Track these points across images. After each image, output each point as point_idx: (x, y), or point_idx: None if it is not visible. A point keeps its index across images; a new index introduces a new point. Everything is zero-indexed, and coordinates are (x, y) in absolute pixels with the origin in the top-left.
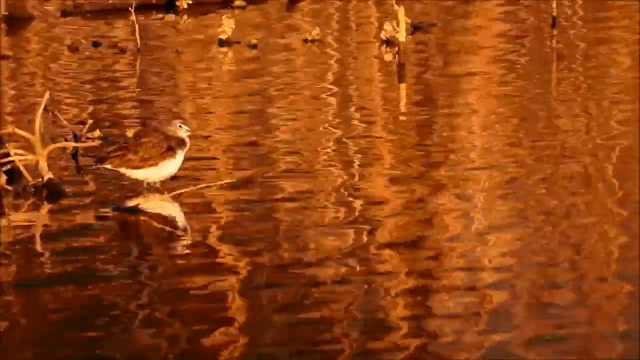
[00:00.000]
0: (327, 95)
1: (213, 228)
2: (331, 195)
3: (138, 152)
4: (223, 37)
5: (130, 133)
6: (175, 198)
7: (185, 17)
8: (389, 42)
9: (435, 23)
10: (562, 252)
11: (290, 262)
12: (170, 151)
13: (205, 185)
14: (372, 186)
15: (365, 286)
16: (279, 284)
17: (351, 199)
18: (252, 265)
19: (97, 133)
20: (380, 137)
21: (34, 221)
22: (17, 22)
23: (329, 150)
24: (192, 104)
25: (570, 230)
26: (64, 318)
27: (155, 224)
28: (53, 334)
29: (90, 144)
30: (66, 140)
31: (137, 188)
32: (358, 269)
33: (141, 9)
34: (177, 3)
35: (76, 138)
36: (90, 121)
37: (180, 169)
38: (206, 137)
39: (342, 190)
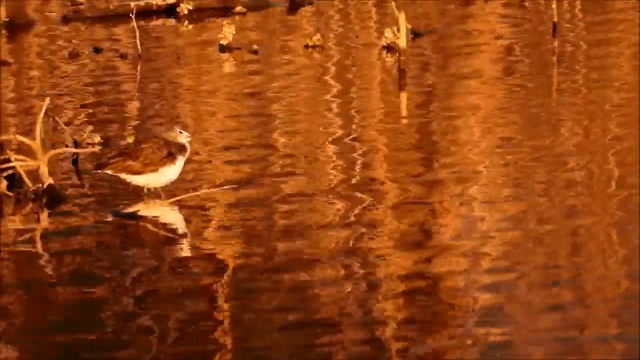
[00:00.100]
0: (328, 99)
1: (212, 228)
2: (331, 195)
3: (138, 157)
4: (224, 42)
5: (130, 139)
6: (175, 203)
7: (186, 22)
8: (390, 48)
9: (436, 28)
10: (562, 252)
11: (290, 263)
12: (170, 157)
13: (204, 191)
14: (372, 186)
15: (365, 287)
16: (278, 285)
17: (351, 199)
18: (251, 266)
19: (97, 139)
20: (380, 138)
21: (34, 226)
22: (17, 28)
23: (329, 151)
24: (192, 109)
25: (570, 230)
26: (63, 320)
27: (154, 229)
28: (52, 336)
29: (90, 149)
30: (66, 146)
31: (137, 194)
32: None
33: (142, 14)
34: (178, 9)
35: (76, 144)
36: (90, 127)
37: (180, 172)
38: (206, 141)
39: (342, 190)
